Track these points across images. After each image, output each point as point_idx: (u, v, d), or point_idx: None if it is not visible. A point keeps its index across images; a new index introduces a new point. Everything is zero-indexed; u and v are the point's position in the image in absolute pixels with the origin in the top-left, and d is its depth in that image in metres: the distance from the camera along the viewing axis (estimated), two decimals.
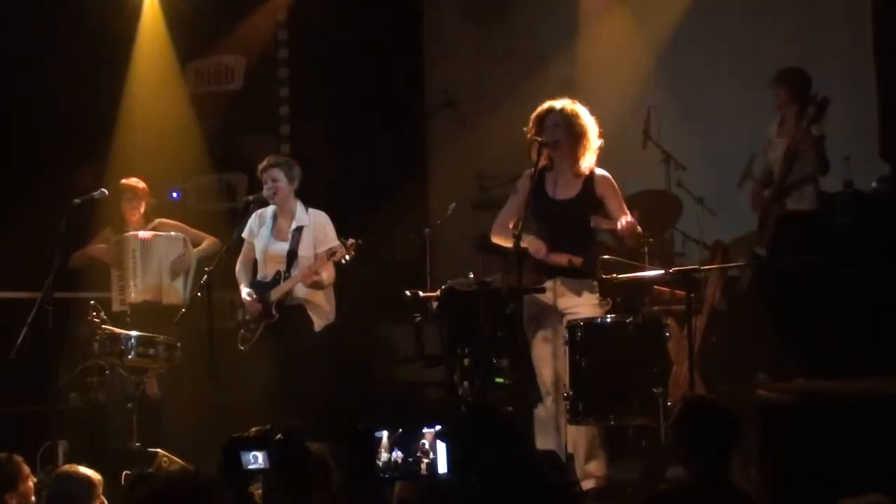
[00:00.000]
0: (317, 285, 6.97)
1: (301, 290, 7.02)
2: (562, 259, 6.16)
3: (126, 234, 7.71)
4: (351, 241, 6.79)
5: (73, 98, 8.96)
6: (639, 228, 6.20)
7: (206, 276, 6.84)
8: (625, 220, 6.10)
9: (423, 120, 9.60)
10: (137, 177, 7.90)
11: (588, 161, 6.30)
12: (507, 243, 6.17)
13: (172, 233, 7.75)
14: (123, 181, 7.80)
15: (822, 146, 7.12)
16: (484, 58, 9.35)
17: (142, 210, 7.79)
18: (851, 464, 4.70)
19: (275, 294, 7.00)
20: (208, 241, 7.83)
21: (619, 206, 6.29)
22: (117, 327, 7.18)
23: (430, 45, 9.76)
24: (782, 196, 7.19)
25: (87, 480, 4.82)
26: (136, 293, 7.64)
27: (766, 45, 8.43)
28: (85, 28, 8.90)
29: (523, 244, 6.04)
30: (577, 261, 6.12)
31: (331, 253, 6.81)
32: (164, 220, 7.87)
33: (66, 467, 5.06)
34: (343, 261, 6.79)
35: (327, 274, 6.99)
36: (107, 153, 8.88)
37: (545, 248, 6.18)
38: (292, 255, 7.06)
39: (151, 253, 7.66)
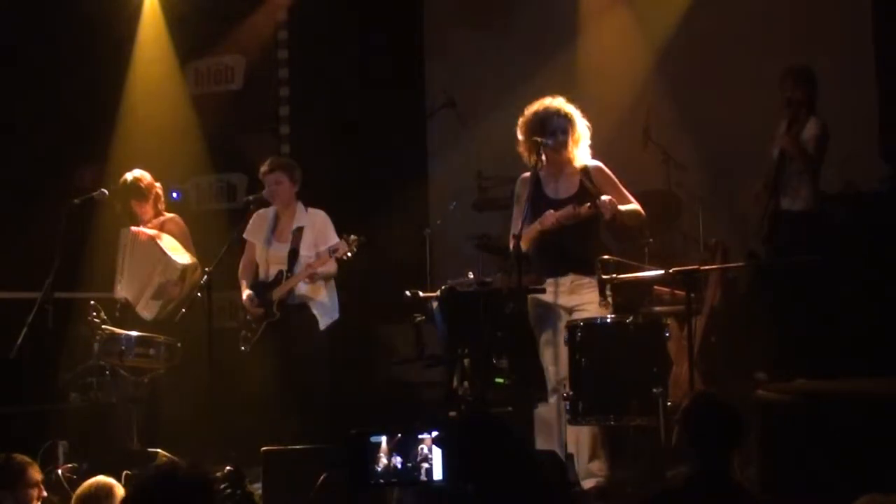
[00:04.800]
0: (316, 277, 6.97)
1: (303, 288, 7.03)
2: (567, 212, 6.13)
3: (125, 228, 7.67)
4: (353, 237, 6.80)
5: (74, 98, 8.96)
6: (621, 209, 6.16)
7: (206, 277, 6.84)
8: (605, 198, 6.09)
9: (423, 120, 9.59)
10: None
11: (582, 157, 6.31)
12: (525, 244, 6.18)
13: (176, 257, 7.43)
14: (126, 178, 7.61)
15: (813, 151, 7.09)
16: (484, 58, 9.34)
17: (150, 203, 7.68)
18: (851, 464, 4.70)
19: (277, 293, 7.02)
20: (196, 276, 7.44)
21: (617, 192, 6.27)
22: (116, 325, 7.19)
23: (430, 44, 9.75)
24: (776, 195, 7.20)
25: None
26: (120, 288, 7.58)
27: (766, 45, 8.43)
28: (85, 28, 8.90)
29: (533, 232, 6.10)
30: (581, 208, 6.10)
31: (333, 250, 6.83)
32: (175, 219, 7.70)
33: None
34: (346, 257, 6.81)
35: (329, 267, 7.00)
36: (107, 153, 8.89)
37: (550, 215, 6.16)
38: (293, 255, 7.08)
39: (142, 253, 7.51)
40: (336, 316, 7.15)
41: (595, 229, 6.31)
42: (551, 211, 6.17)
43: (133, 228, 7.59)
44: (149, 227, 7.61)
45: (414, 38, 9.74)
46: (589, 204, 6.09)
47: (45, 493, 5.27)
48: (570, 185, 6.33)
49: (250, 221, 7.28)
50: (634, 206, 6.26)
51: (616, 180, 6.32)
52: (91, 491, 4.66)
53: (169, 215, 7.72)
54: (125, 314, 7.48)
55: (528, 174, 6.30)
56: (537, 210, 6.27)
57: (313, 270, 6.93)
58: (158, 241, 7.49)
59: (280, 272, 7.07)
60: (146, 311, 7.45)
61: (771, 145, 7.37)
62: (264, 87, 9.47)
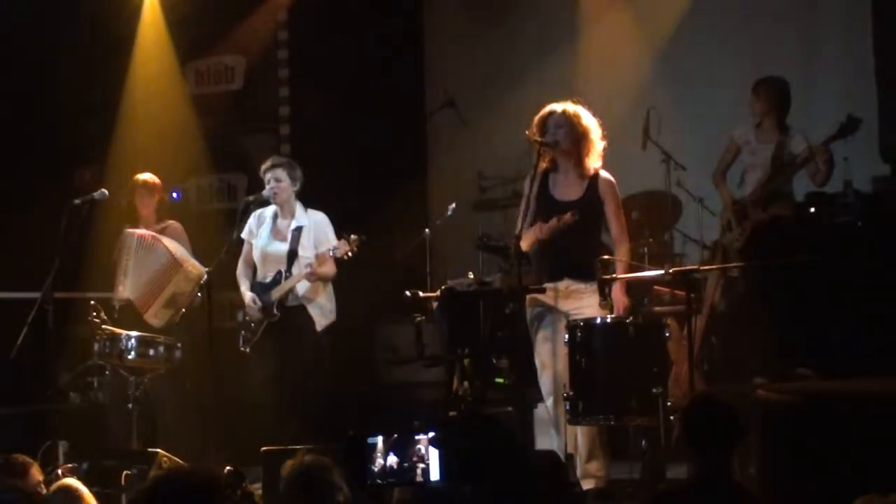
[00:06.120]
0: (313, 276, 6.97)
1: (302, 288, 7.02)
2: (552, 224, 6.13)
3: (128, 230, 7.69)
4: (354, 237, 6.80)
5: (74, 98, 8.97)
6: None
7: (206, 277, 6.83)
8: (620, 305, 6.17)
9: (423, 120, 9.59)
10: None
11: (592, 163, 6.31)
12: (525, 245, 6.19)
13: (192, 268, 7.42)
14: (138, 177, 7.72)
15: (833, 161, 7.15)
16: (484, 58, 9.34)
17: (154, 205, 7.75)
18: (851, 464, 4.69)
19: (276, 293, 7.01)
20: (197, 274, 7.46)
21: (614, 212, 6.31)
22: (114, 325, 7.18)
23: (430, 44, 9.76)
24: (765, 202, 7.21)
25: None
26: (123, 290, 7.59)
27: (765, 45, 8.43)
28: (85, 28, 8.90)
29: (527, 240, 6.09)
30: (566, 217, 6.10)
31: (334, 249, 6.83)
32: (175, 226, 7.75)
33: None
34: (346, 257, 6.81)
35: (328, 268, 7.00)
36: (107, 153, 8.89)
37: (541, 229, 6.17)
38: (292, 255, 7.07)
39: (150, 258, 7.52)
40: (333, 318, 7.15)
41: (593, 234, 6.31)
42: (540, 224, 6.18)
43: (138, 231, 7.61)
44: (149, 231, 7.63)
45: (414, 38, 9.75)
46: (572, 212, 6.09)
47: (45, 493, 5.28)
48: (573, 189, 6.33)
49: (248, 221, 7.27)
50: (625, 245, 6.31)
51: (619, 202, 6.35)
52: (58, 490, 4.67)
53: (169, 221, 7.76)
54: (125, 315, 7.48)
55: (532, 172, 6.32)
56: (541, 210, 6.28)
57: (313, 271, 6.92)
58: (170, 249, 7.49)
59: (279, 272, 7.06)
60: (156, 318, 7.44)
61: (742, 150, 7.41)
62: (264, 87, 9.48)
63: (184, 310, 7.20)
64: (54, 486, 4.74)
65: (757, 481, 5.19)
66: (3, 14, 8.71)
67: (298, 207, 7.19)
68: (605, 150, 6.37)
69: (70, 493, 4.67)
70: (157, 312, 7.44)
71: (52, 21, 8.91)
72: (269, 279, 7.11)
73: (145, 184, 7.71)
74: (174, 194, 8.44)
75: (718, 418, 4.17)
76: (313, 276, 6.95)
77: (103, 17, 8.96)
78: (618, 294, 6.17)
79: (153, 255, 7.52)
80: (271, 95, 9.45)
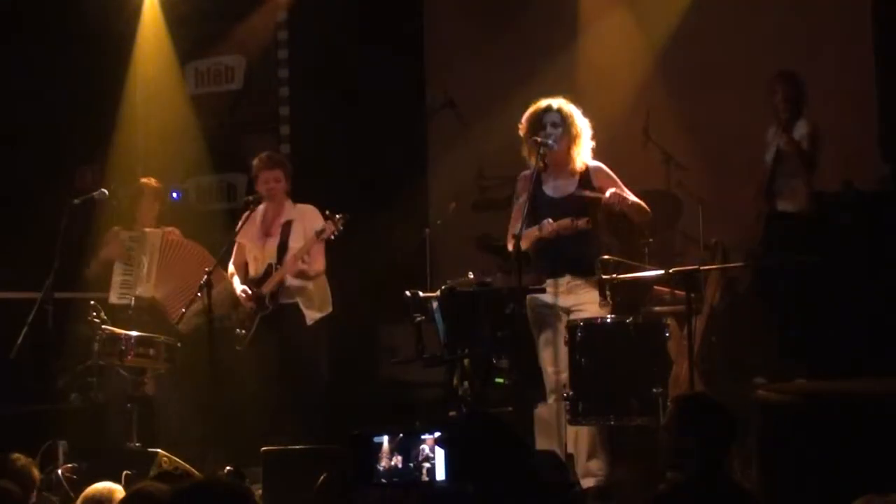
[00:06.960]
0: (303, 275, 6.98)
1: (293, 284, 7.03)
2: (565, 223, 6.14)
3: (150, 229, 7.69)
4: (338, 215, 6.83)
5: (74, 98, 8.97)
6: (629, 200, 6.17)
7: (206, 276, 6.83)
8: (611, 190, 6.10)
9: (423, 120, 9.59)
10: (138, 177, 7.94)
11: (583, 158, 6.31)
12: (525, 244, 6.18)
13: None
14: (145, 180, 7.83)
15: (808, 148, 7.12)
16: (484, 58, 9.33)
17: (157, 210, 7.79)
18: (851, 464, 4.69)
19: (267, 285, 7.03)
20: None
21: (618, 188, 6.28)
22: (114, 321, 7.18)
23: (430, 45, 9.75)
24: (771, 197, 7.21)
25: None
26: (143, 288, 7.60)
27: (765, 45, 8.43)
28: (85, 28, 8.90)
29: (532, 235, 6.09)
30: (581, 222, 6.11)
31: (320, 231, 6.85)
32: (176, 232, 7.81)
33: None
34: (332, 236, 6.83)
35: (317, 264, 7.02)
36: (107, 153, 8.90)
37: (549, 224, 6.16)
38: (283, 248, 7.10)
39: (180, 257, 7.64)
40: (329, 310, 7.15)
41: (594, 230, 6.30)
42: (550, 220, 6.17)
43: (163, 230, 7.65)
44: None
45: (414, 38, 9.74)
46: (588, 219, 6.10)
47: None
48: (569, 184, 6.33)
49: (242, 223, 7.27)
50: (640, 201, 6.28)
51: (618, 180, 6.33)
52: (92, 496, 4.64)
53: (169, 229, 7.78)
54: (141, 313, 7.49)
55: (527, 172, 6.30)
56: (537, 209, 6.26)
57: (301, 256, 6.92)
58: (211, 258, 7.54)
59: (270, 265, 7.09)
60: (182, 322, 7.43)
61: (762, 151, 7.41)
62: (264, 87, 9.48)
63: (184, 310, 7.19)
64: (92, 488, 4.70)
65: (757, 481, 5.19)
66: (3, 14, 8.71)
67: (287, 203, 7.24)
68: (605, 149, 6.37)
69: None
70: (187, 318, 7.41)
71: (52, 21, 8.92)
72: (261, 274, 7.13)
73: (154, 188, 7.78)
74: (174, 194, 8.45)
75: (707, 418, 4.15)
76: (298, 268, 6.94)
77: (103, 17, 8.96)
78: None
79: (187, 258, 7.59)
80: (271, 95, 9.46)
